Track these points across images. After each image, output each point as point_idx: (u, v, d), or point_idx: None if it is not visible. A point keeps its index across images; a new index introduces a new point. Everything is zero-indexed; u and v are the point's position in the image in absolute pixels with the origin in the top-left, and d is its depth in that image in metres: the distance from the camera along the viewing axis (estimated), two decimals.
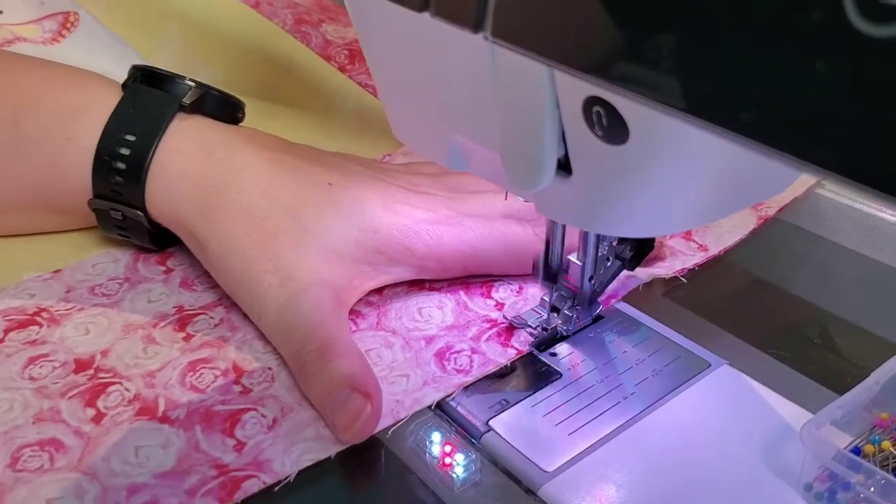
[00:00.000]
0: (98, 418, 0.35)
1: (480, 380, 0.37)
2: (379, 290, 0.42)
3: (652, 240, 0.39)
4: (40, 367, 0.38)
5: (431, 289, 0.43)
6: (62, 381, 0.37)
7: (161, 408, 0.35)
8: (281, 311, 0.37)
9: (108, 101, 0.43)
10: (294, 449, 0.33)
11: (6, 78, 0.44)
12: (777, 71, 0.15)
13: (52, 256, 0.45)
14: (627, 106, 0.22)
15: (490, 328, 0.40)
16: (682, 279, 0.44)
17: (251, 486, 0.32)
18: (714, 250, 0.47)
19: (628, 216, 0.27)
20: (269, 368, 0.37)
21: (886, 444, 0.32)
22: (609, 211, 0.27)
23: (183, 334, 0.40)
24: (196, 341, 0.39)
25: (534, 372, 0.38)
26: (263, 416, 0.35)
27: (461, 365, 0.38)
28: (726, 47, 0.15)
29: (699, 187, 0.26)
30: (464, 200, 0.42)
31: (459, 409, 0.35)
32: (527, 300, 0.42)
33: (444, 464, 0.34)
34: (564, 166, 0.26)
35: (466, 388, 0.36)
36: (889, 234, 0.48)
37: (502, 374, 0.37)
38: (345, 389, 0.34)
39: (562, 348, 0.39)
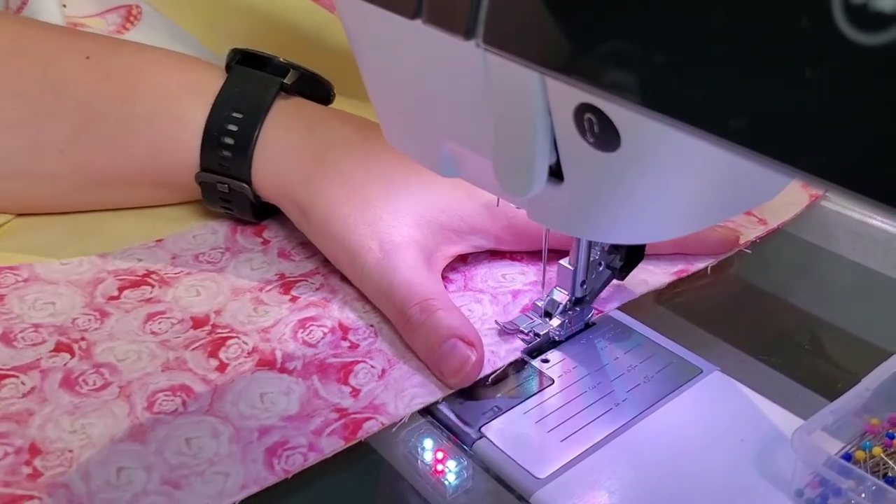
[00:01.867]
0: (222, 368, 0.37)
1: (473, 386, 0.37)
2: (463, 259, 0.45)
3: (642, 249, 0.39)
4: (159, 323, 0.40)
5: (513, 259, 0.46)
6: (183, 335, 0.39)
7: (279, 359, 0.38)
8: (382, 272, 0.40)
9: (214, 81, 0.45)
10: (405, 394, 0.36)
11: (115, 60, 0.46)
12: (767, 78, 0.15)
13: (151, 228, 0.48)
14: (619, 113, 0.22)
15: None
16: (748, 251, 0.47)
17: (371, 427, 0.34)
18: (773, 223, 0.49)
19: (620, 222, 0.27)
20: (372, 326, 0.41)
21: (877, 450, 0.32)
22: (601, 217, 0.27)
23: (289, 297, 0.43)
24: (301, 302, 0.42)
25: (526, 378, 0.38)
26: (373, 366, 0.38)
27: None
28: (716, 55, 0.16)
29: (691, 193, 0.26)
30: None
31: (451, 415, 0.35)
32: None
33: (436, 471, 0.33)
34: (556, 173, 0.26)
35: (459, 394, 0.36)
36: (880, 241, 0.48)
37: (495, 381, 0.37)
38: (450, 340, 0.36)
39: (554, 355, 0.39)
